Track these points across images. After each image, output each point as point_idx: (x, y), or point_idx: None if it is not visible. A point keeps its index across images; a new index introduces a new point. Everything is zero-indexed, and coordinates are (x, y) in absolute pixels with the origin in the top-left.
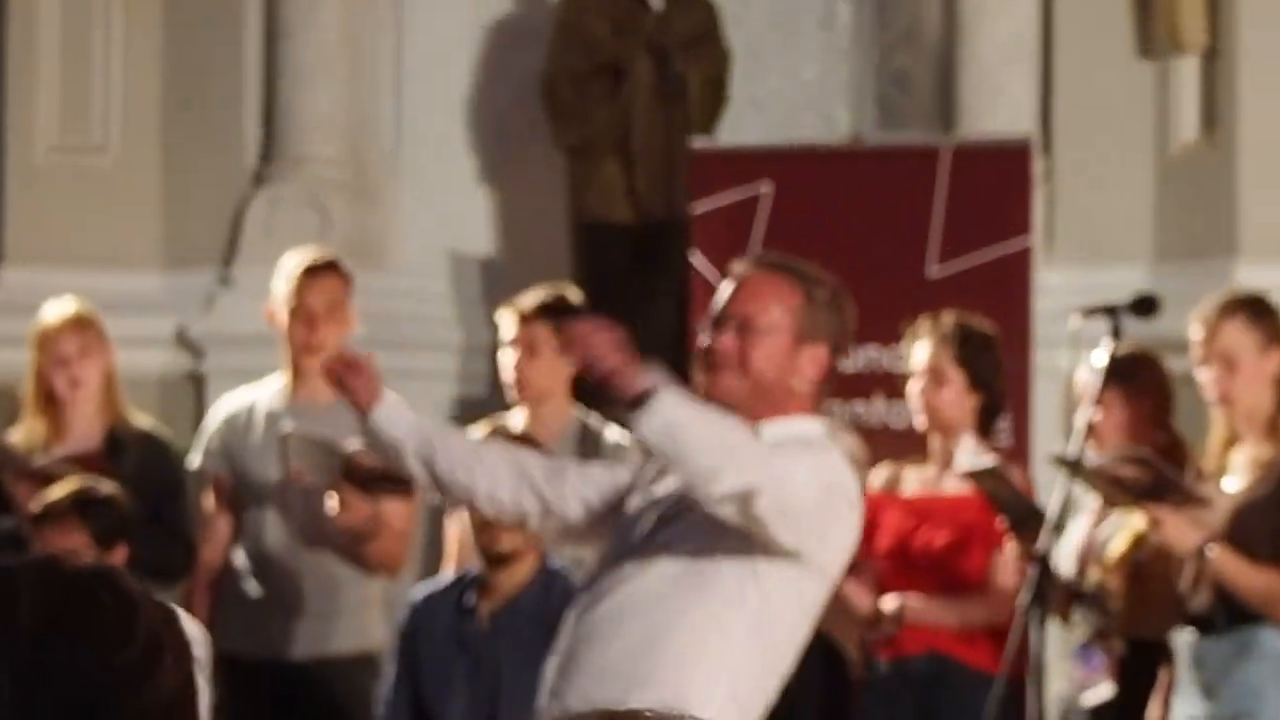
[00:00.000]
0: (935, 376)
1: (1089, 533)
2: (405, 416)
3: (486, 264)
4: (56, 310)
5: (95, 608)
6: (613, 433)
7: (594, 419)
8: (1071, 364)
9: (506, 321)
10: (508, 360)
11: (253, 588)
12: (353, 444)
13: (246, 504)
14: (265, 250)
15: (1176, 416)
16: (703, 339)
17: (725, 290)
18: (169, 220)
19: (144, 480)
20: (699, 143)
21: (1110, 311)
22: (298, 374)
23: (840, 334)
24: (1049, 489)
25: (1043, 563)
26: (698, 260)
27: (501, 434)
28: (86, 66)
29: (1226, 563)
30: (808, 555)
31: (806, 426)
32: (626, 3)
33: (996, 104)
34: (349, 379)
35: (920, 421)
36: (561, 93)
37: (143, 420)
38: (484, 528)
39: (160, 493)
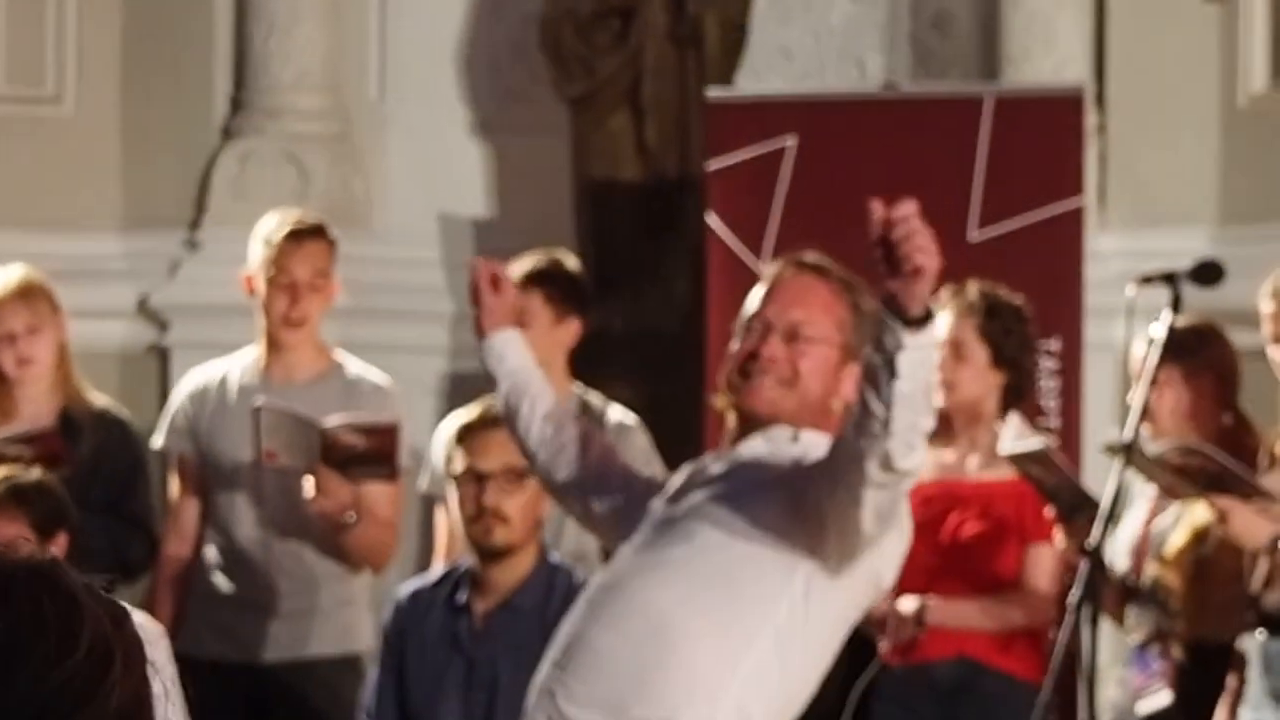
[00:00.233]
0: (956, 350)
1: (1146, 524)
2: (515, 357)
3: (481, 227)
4: (1, 280)
5: (34, 615)
6: (616, 412)
7: (595, 397)
8: (1126, 338)
9: None
10: None
11: (223, 583)
12: (331, 420)
13: (216, 489)
14: (235, 212)
15: (1243, 396)
16: (739, 343)
17: (761, 292)
18: (130, 178)
19: (101, 464)
20: (716, 93)
21: (1169, 279)
22: (274, 347)
23: None
24: (1102, 477)
25: (1095, 557)
26: (714, 222)
27: (498, 411)
28: (38, 6)
29: None
30: (860, 568)
31: None
32: None
33: (1045, 49)
34: (487, 295)
35: (938, 400)
36: (564, 38)
37: (100, 398)
38: (476, 519)
39: (119, 478)
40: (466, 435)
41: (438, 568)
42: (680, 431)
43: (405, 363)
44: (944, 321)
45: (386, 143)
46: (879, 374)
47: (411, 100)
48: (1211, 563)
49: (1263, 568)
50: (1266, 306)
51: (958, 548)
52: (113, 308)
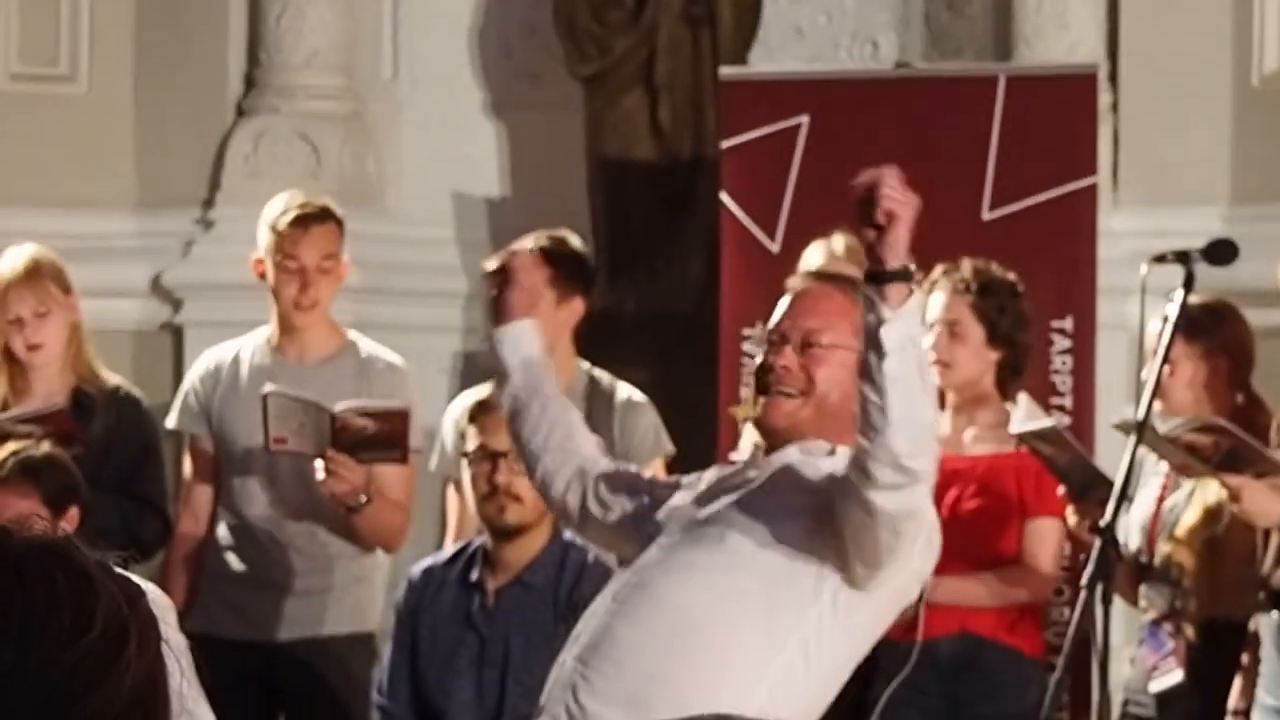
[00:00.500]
0: (951, 329)
1: (1158, 503)
2: (530, 349)
3: (494, 206)
4: (10, 262)
5: (48, 593)
6: (624, 390)
7: (603, 374)
8: (1140, 317)
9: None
10: None
11: (236, 562)
12: (340, 404)
13: (229, 469)
14: (249, 191)
15: (1255, 375)
16: (757, 358)
17: (781, 306)
18: (143, 157)
19: (114, 443)
20: (729, 72)
21: (1183, 258)
22: (286, 328)
23: None
24: (1114, 456)
25: (1106, 535)
26: (727, 201)
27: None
28: None
29: None
30: (888, 583)
31: None
32: None
33: (1059, 28)
34: (509, 286)
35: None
36: (578, 17)
37: (113, 377)
38: (489, 498)
39: (132, 457)
40: (479, 414)
41: (449, 546)
42: (693, 411)
43: (419, 342)
44: (938, 300)
45: (400, 122)
46: (869, 360)
47: (425, 79)
48: (1224, 541)
49: (1275, 546)
50: None
51: (957, 524)
52: (126, 286)
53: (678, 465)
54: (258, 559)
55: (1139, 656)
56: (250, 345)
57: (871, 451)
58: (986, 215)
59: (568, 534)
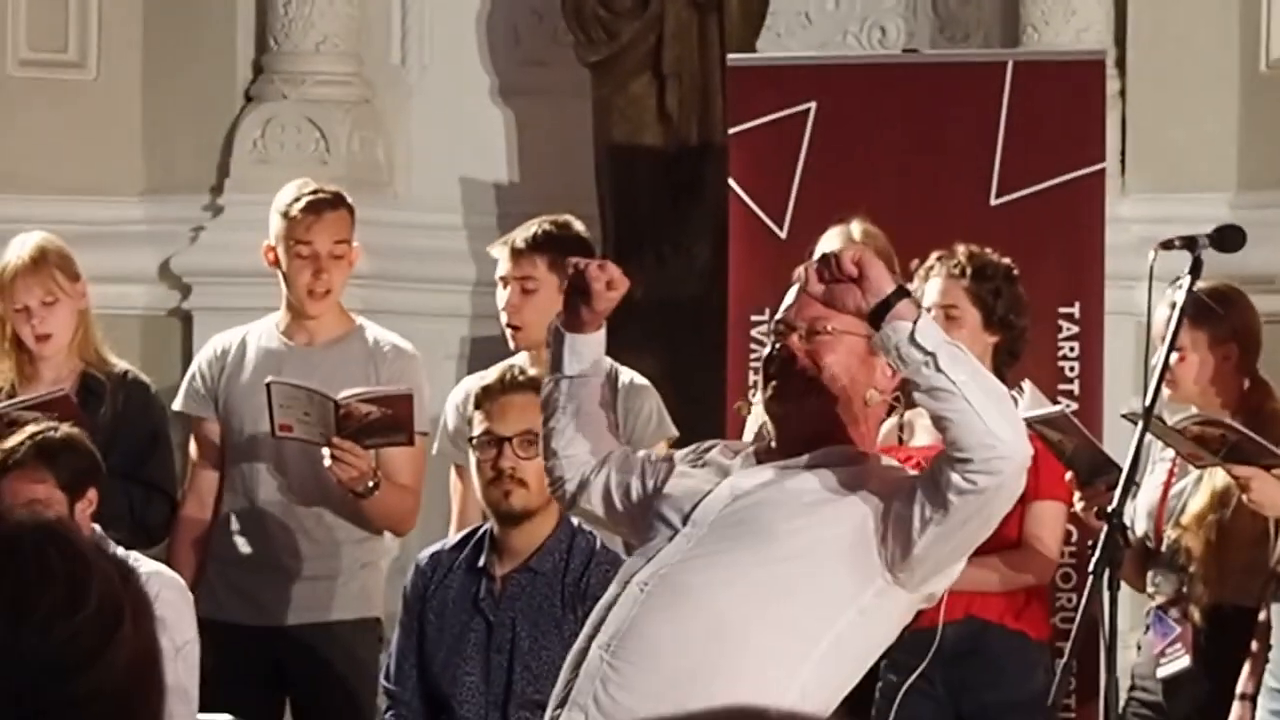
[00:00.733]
0: (948, 314)
1: (1165, 488)
2: (588, 360)
3: (502, 192)
4: (16, 251)
5: (42, 569)
6: (627, 374)
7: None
8: (1148, 303)
9: (500, 256)
10: (502, 301)
11: (243, 547)
12: (344, 392)
13: (236, 454)
14: (257, 177)
15: (1261, 360)
16: (765, 348)
17: (789, 296)
18: (152, 143)
19: (121, 427)
20: (737, 58)
21: (1191, 244)
22: (296, 314)
23: None
24: (1122, 442)
25: (1114, 521)
26: (735, 187)
27: (515, 376)
28: None
29: None
30: (948, 573)
31: None
32: None
33: (1066, 14)
34: (591, 297)
35: None
36: (586, 3)
37: (121, 362)
38: (495, 483)
39: (139, 441)
40: (485, 399)
41: (453, 532)
42: (701, 397)
43: (427, 328)
44: (934, 286)
45: (409, 108)
46: (923, 379)
47: (434, 65)
48: (1231, 526)
49: None
50: None
51: None
52: (135, 272)
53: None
54: (265, 543)
55: (1146, 642)
56: (258, 330)
57: (978, 452)
58: (994, 201)
59: (575, 520)
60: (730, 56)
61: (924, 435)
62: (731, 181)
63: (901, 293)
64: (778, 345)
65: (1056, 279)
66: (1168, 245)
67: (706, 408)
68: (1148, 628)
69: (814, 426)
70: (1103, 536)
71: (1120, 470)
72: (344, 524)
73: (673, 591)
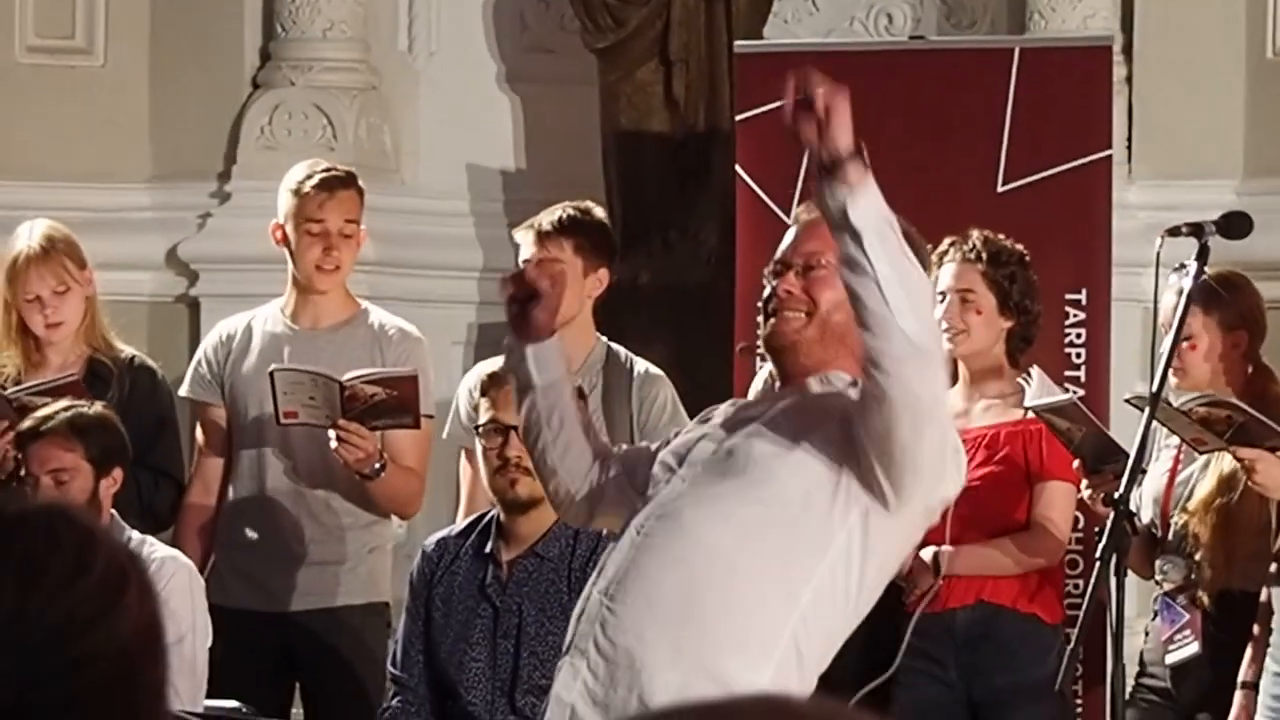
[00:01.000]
0: (964, 298)
1: (1171, 474)
2: (556, 371)
3: (509, 179)
4: (25, 240)
5: (50, 537)
6: (641, 364)
7: (620, 348)
8: (1154, 289)
9: (524, 240)
10: None
11: (250, 532)
12: (348, 374)
13: (243, 439)
14: (264, 164)
15: (1266, 347)
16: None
17: (787, 238)
18: (159, 130)
19: (128, 413)
20: (744, 45)
21: (1197, 231)
22: (303, 295)
23: None
24: (1129, 429)
25: (1121, 508)
26: (742, 173)
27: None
28: None
29: None
30: (915, 504)
31: None
32: None
33: (1073, 1)
34: (534, 300)
35: (947, 349)
36: None
37: (127, 347)
38: (500, 472)
39: (146, 427)
40: (490, 387)
41: (461, 517)
42: (709, 383)
43: (434, 314)
44: (949, 270)
45: (415, 94)
46: (847, 250)
47: (441, 52)
48: (1238, 512)
49: None
50: None
51: (970, 494)
52: (142, 259)
53: None
54: (272, 528)
55: (1153, 628)
56: (263, 315)
57: (878, 340)
58: (1001, 188)
59: None
60: (737, 43)
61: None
62: (738, 168)
63: (857, 154)
64: (775, 283)
65: (1063, 266)
66: (1174, 232)
67: (714, 394)
68: (1155, 614)
69: (813, 360)
70: (1109, 523)
71: (1127, 457)
72: (351, 509)
73: (667, 532)
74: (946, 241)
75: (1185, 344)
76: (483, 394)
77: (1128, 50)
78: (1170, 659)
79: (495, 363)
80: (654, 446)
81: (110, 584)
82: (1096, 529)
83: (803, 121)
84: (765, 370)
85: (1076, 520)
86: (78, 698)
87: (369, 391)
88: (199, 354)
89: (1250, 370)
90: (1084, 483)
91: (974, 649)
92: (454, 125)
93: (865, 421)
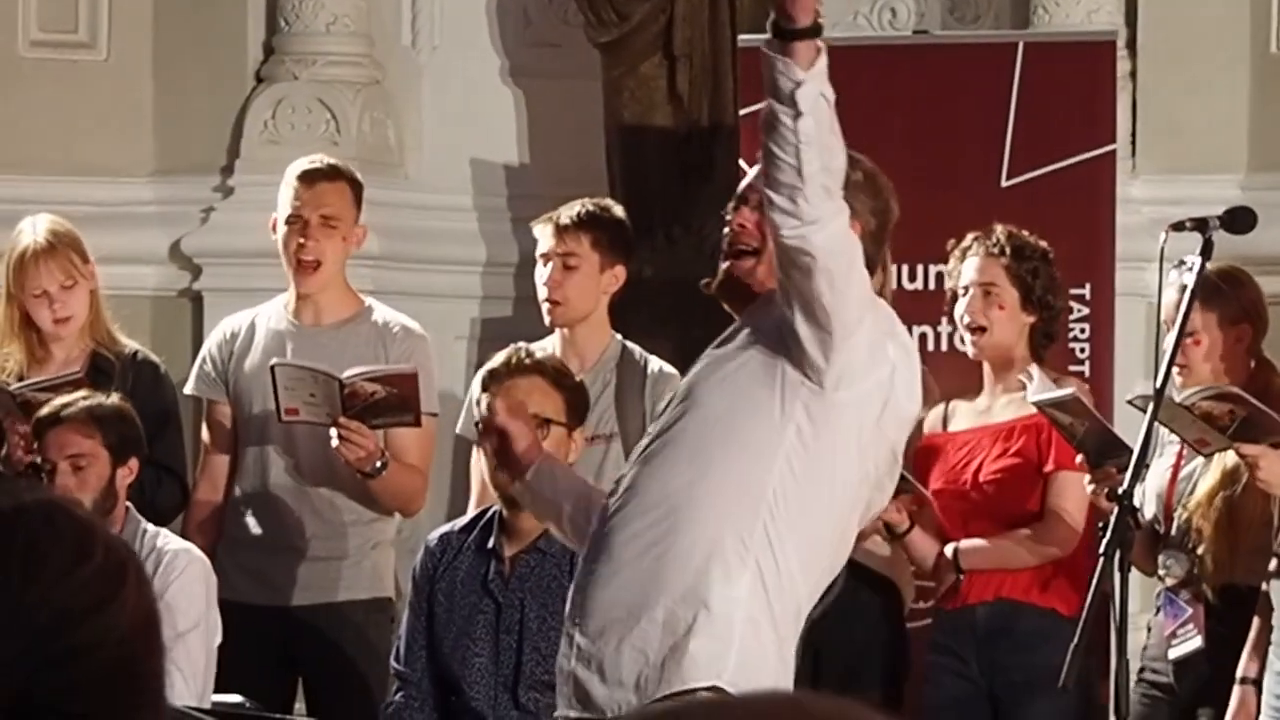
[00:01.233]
0: (987, 292)
1: (1174, 470)
2: (565, 476)
3: (513, 173)
4: (30, 235)
5: (49, 526)
6: (656, 362)
7: (635, 347)
8: (1158, 284)
9: (541, 234)
10: (541, 275)
11: (254, 527)
12: (349, 371)
13: (247, 435)
14: (268, 158)
15: (1270, 341)
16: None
17: (750, 174)
18: (162, 124)
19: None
20: (748, 39)
21: (1201, 226)
22: (302, 290)
23: (875, 215)
24: (1132, 424)
25: (1124, 503)
26: (746, 168)
27: (522, 359)
28: None
29: None
30: (857, 379)
31: None
32: None
33: None
34: (507, 440)
35: (969, 344)
36: None
37: (131, 342)
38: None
39: (149, 422)
40: (491, 381)
41: (472, 511)
42: None
43: (438, 309)
44: (972, 264)
45: (419, 89)
46: (778, 118)
47: (444, 46)
48: (1240, 507)
49: None
50: None
51: (986, 486)
52: (146, 253)
53: None
54: (275, 524)
55: (1156, 624)
56: (267, 312)
57: (785, 205)
58: (1004, 183)
59: None
60: (741, 37)
61: (966, 418)
62: (742, 162)
63: (815, 31)
64: (729, 218)
65: (1067, 260)
66: (1178, 227)
67: None
68: (1158, 609)
69: (763, 291)
70: (1113, 519)
71: (1131, 452)
72: (354, 505)
73: (631, 490)
74: (970, 236)
75: (1188, 340)
76: (483, 389)
77: (1132, 45)
78: (1173, 654)
79: (496, 358)
80: None
81: (109, 574)
82: (1100, 524)
83: None
84: None
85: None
86: (79, 686)
87: (369, 389)
88: (203, 352)
89: (1253, 365)
90: (1086, 478)
91: (994, 644)
92: (457, 120)
93: (785, 294)
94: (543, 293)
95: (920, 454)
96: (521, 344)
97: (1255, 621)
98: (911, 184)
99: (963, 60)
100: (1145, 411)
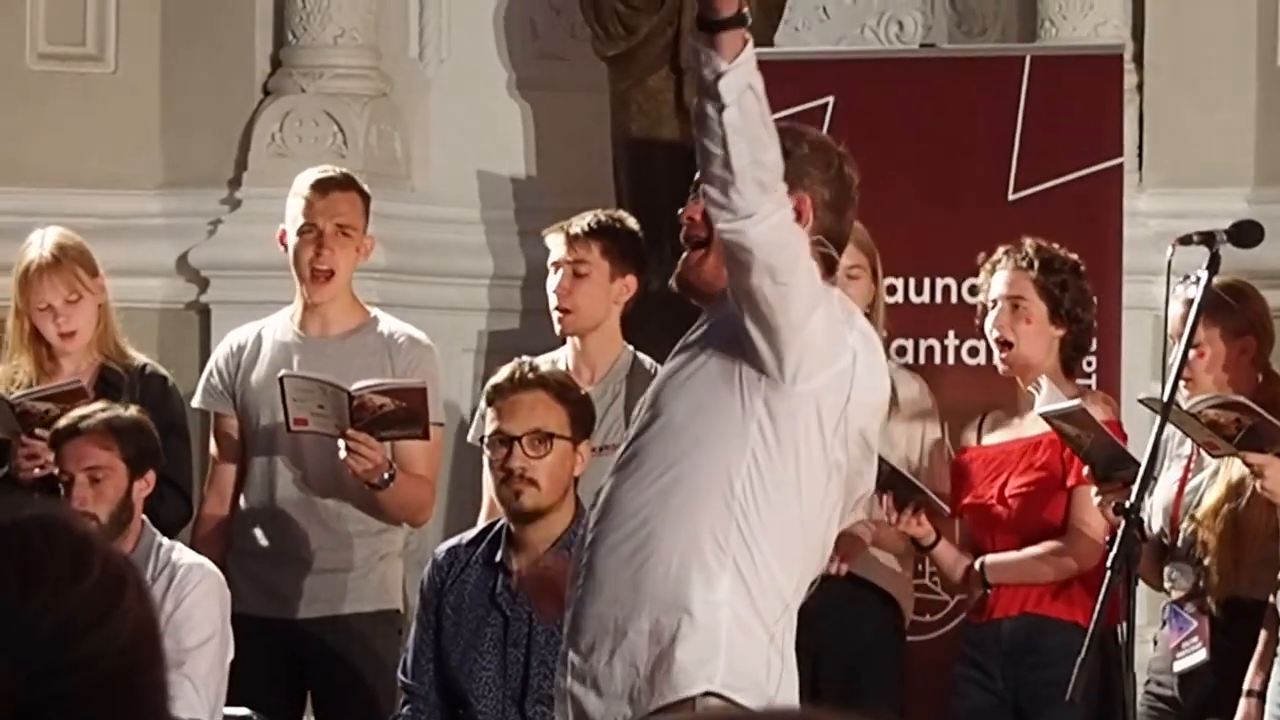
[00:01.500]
0: (1015, 306)
1: (1180, 483)
2: None
3: (520, 186)
4: (37, 249)
5: (48, 541)
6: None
7: (645, 358)
8: (1165, 297)
9: (554, 242)
10: (553, 285)
11: (262, 540)
12: (357, 384)
13: (255, 448)
14: (275, 171)
15: (1277, 354)
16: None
17: None
18: (170, 136)
19: None
20: (755, 52)
21: (1208, 239)
22: (309, 302)
23: (828, 185)
24: (1140, 436)
25: (1131, 516)
26: None
27: (525, 373)
28: None
29: None
30: (815, 370)
31: None
32: None
33: (1084, 9)
34: (544, 596)
35: (998, 360)
36: None
37: (139, 355)
38: (505, 483)
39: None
40: (496, 396)
41: (482, 522)
42: None
43: (445, 321)
44: (1001, 278)
45: (426, 101)
46: (705, 111)
47: (451, 59)
48: (1245, 517)
49: None
50: None
51: (1007, 501)
52: (153, 265)
53: None
54: (283, 536)
55: (1162, 637)
56: (273, 324)
57: (718, 198)
58: (1012, 196)
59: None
60: None
61: (998, 432)
62: None
63: (739, 21)
64: (680, 211)
65: None
66: (1186, 240)
67: None
68: (1164, 623)
69: (712, 289)
70: (1120, 532)
71: (1138, 465)
72: (361, 517)
73: (608, 502)
74: (1000, 250)
75: (1193, 352)
76: (488, 403)
77: (1138, 58)
78: (1178, 666)
79: (501, 373)
80: None
81: (108, 586)
82: (1106, 538)
83: None
84: None
85: None
86: (81, 698)
87: (378, 402)
88: (210, 365)
89: (1260, 378)
90: (1093, 490)
91: (1018, 658)
92: (464, 132)
93: (733, 290)
94: (553, 301)
95: (955, 468)
96: (526, 358)
97: (1262, 634)
98: (918, 197)
99: (970, 74)
100: (1156, 410)
